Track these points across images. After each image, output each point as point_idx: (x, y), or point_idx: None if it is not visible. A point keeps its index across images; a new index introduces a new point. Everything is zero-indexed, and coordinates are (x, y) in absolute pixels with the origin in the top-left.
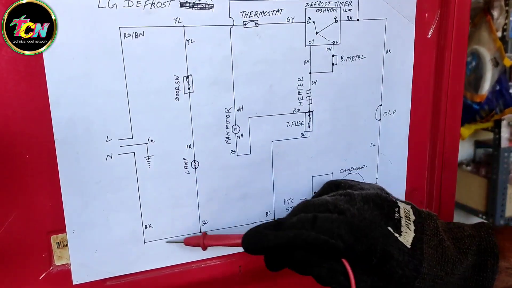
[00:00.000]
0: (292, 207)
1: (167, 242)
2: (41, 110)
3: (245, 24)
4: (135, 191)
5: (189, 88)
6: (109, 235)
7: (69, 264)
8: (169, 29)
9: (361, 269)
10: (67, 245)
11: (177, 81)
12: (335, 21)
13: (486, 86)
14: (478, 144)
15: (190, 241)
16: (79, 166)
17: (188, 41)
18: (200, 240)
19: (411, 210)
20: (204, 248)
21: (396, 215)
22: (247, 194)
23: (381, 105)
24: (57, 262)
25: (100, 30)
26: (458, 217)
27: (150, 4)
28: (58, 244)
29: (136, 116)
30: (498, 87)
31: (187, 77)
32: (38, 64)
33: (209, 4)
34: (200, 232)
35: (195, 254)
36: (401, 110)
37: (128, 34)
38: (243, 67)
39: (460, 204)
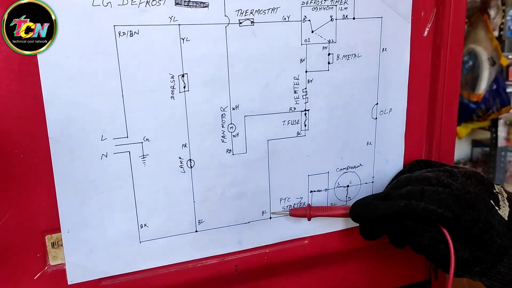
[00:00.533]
0: (288, 207)
1: (272, 213)
2: (35, 109)
3: (241, 23)
4: (130, 191)
5: (184, 87)
6: (104, 234)
7: (64, 264)
8: (164, 27)
9: (461, 239)
10: (61, 245)
11: (172, 79)
12: (331, 19)
13: (483, 85)
14: (475, 143)
15: (296, 212)
16: (74, 165)
17: (183, 39)
18: (306, 211)
19: (502, 188)
20: (309, 219)
21: (495, 190)
22: (243, 193)
23: (377, 103)
24: (52, 262)
25: (94, 28)
26: None
27: (145, 3)
28: (52, 244)
29: (131, 115)
30: (494, 86)
31: (183, 75)
32: (32, 63)
33: (204, 3)
34: (196, 231)
35: (191, 254)
36: (397, 109)
37: (123, 32)
38: (239, 66)
39: None
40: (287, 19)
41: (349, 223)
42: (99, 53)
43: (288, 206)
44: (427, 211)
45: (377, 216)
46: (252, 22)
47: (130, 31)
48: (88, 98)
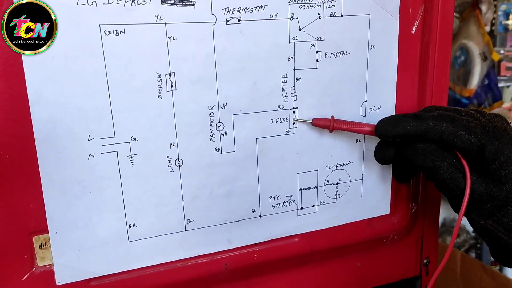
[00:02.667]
0: (278, 204)
1: (295, 120)
2: (20, 109)
3: (228, 21)
4: (118, 190)
5: (171, 86)
6: (93, 235)
7: (52, 265)
8: (150, 26)
9: (478, 172)
10: (49, 246)
11: (159, 79)
12: (319, 17)
13: (475, 81)
14: None
15: (318, 122)
16: (61, 165)
17: (170, 38)
18: (330, 123)
19: None
20: (331, 131)
21: None
22: (232, 191)
23: (366, 101)
24: (40, 263)
25: (79, 27)
26: (445, 211)
27: (131, 1)
28: (40, 245)
29: (118, 114)
30: (486, 82)
31: (170, 74)
32: (16, 63)
33: (191, 1)
34: (185, 230)
35: (180, 253)
36: (386, 106)
37: (109, 31)
38: (227, 64)
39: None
40: (274, 17)
41: (339, 221)
42: (85, 52)
43: (278, 204)
44: (455, 134)
45: (406, 133)
46: (239, 20)
47: (116, 30)
48: (74, 98)
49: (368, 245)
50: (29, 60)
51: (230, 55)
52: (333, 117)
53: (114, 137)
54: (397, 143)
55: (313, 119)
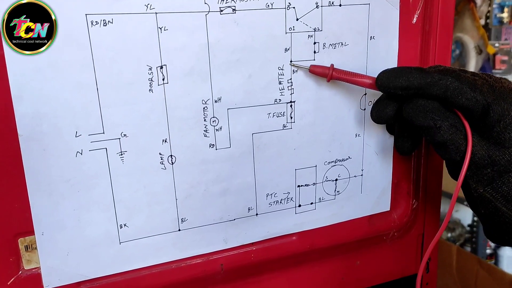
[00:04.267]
0: (276, 202)
1: (291, 65)
2: (2, 104)
3: (222, 11)
4: (108, 189)
5: (163, 79)
6: (82, 236)
7: (39, 268)
8: (140, 16)
9: (480, 134)
10: (36, 248)
11: (150, 71)
12: (317, 6)
13: None
14: None
15: (316, 69)
16: (47, 164)
17: (161, 29)
18: (327, 71)
19: None
20: (329, 80)
21: None
22: (227, 189)
23: (365, 94)
24: (26, 266)
25: (64, 17)
26: (446, 206)
27: None
28: (26, 247)
29: (107, 109)
30: None
31: (161, 67)
32: None
33: None
34: (179, 230)
35: (174, 253)
36: None
37: (96, 21)
38: (221, 56)
39: (447, 193)
40: (270, 7)
41: (338, 218)
42: (70, 44)
43: (275, 202)
44: (460, 91)
45: (409, 85)
46: (233, 9)
47: (104, 20)
48: (60, 92)
49: (367, 242)
50: (11, 52)
51: (224, 47)
52: (332, 65)
53: (103, 133)
54: (397, 99)
55: (311, 65)
